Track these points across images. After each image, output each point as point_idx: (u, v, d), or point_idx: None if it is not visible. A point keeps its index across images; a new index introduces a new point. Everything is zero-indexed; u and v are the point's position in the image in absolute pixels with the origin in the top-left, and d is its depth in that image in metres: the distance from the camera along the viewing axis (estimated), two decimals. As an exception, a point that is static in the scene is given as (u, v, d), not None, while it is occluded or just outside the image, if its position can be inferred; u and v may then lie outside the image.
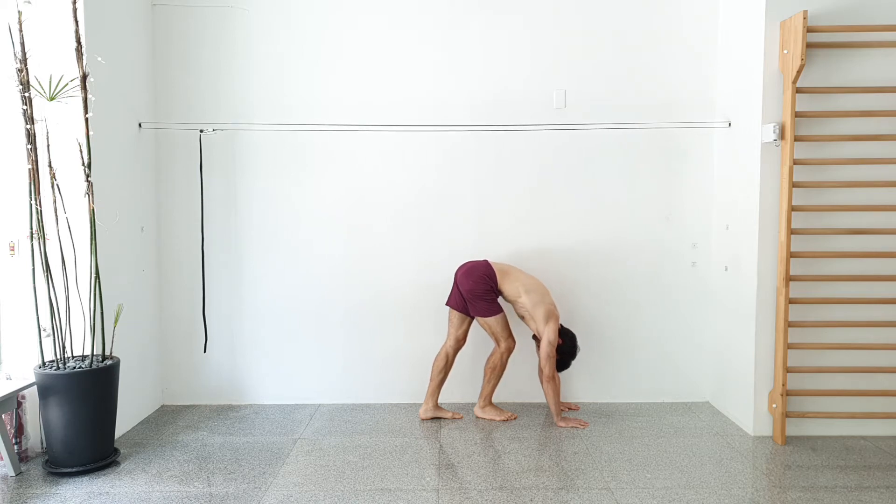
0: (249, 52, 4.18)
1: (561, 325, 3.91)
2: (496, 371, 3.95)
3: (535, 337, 3.97)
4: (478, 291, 3.84)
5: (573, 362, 3.96)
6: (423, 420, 3.98)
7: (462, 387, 4.27)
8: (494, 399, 4.12)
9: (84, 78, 3.24)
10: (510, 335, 3.93)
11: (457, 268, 4.00)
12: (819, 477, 3.17)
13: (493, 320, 3.87)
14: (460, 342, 4.01)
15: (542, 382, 3.89)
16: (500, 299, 3.95)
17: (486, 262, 3.95)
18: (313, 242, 4.25)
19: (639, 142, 4.21)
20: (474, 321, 3.98)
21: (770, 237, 3.61)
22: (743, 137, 3.82)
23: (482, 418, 3.99)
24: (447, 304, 3.99)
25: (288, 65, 4.19)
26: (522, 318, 3.94)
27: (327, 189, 4.23)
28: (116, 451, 3.41)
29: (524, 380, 4.25)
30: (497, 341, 3.92)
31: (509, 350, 3.93)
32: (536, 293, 3.85)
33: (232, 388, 4.31)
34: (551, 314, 3.82)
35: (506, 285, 3.88)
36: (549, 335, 3.78)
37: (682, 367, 4.31)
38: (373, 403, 4.29)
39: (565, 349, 3.88)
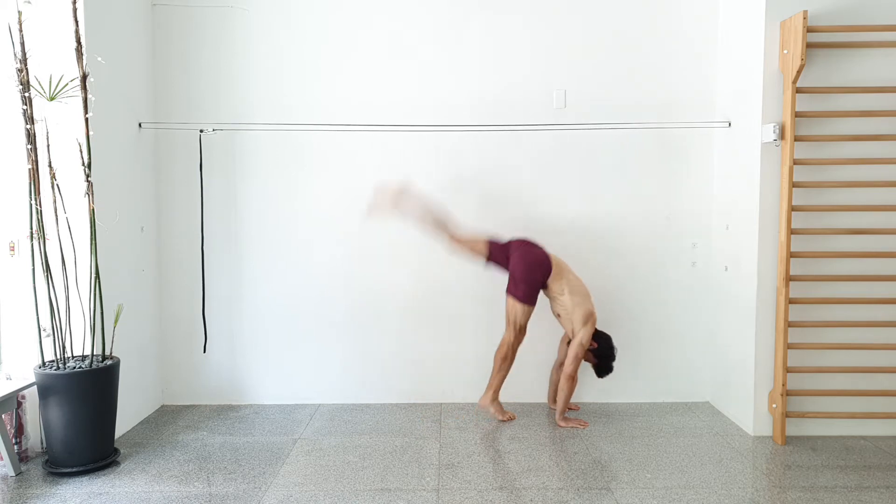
0: (249, 52, 4.18)
1: (596, 328, 3.89)
2: (507, 362, 3.88)
3: (567, 343, 3.97)
4: (527, 277, 3.78)
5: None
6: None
7: (468, 385, 4.28)
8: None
9: (84, 78, 3.24)
10: (525, 329, 3.87)
11: (516, 237, 3.91)
12: (819, 477, 3.17)
13: (522, 308, 3.80)
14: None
15: (559, 379, 3.90)
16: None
17: (545, 252, 3.87)
18: (313, 242, 4.25)
19: (639, 142, 4.21)
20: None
21: (770, 237, 3.61)
22: (743, 137, 3.82)
23: (484, 408, 3.97)
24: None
25: (288, 65, 4.19)
26: (558, 315, 3.92)
27: (327, 189, 4.23)
28: (116, 451, 3.41)
29: (527, 380, 4.25)
30: (513, 329, 3.83)
31: (519, 342, 3.87)
32: (579, 294, 3.84)
33: (232, 388, 4.31)
34: (590, 317, 3.81)
35: (554, 282, 3.84)
36: (582, 337, 3.78)
37: (682, 367, 4.31)
38: (373, 403, 4.29)
39: (602, 352, 3.87)
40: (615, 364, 3.96)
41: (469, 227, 4.21)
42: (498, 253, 3.88)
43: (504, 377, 3.95)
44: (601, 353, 3.88)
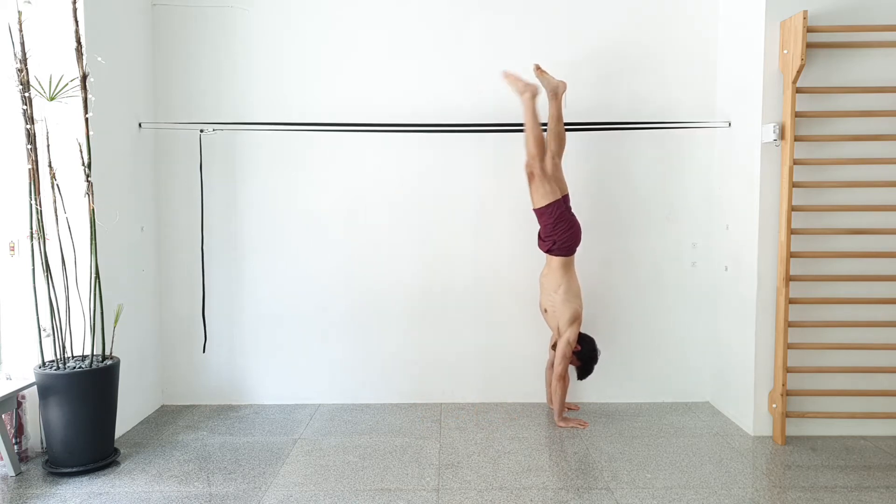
0: (249, 52, 4.18)
1: (580, 331, 3.89)
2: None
3: (553, 347, 3.97)
4: (563, 229, 3.75)
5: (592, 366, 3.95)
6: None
7: (468, 385, 4.28)
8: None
9: (84, 78, 3.24)
10: (539, 166, 3.74)
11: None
12: (819, 477, 3.17)
13: (550, 195, 3.73)
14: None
15: (551, 380, 3.90)
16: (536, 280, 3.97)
17: (575, 249, 3.85)
18: (313, 242, 4.25)
19: (639, 142, 4.21)
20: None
21: (770, 237, 3.61)
22: (743, 137, 3.82)
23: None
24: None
25: (288, 65, 4.19)
26: (545, 311, 3.94)
27: (327, 189, 4.23)
28: (116, 451, 3.41)
29: (527, 380, 4.26)
30: (541, 161, 3.74)
31: (533, 157, 3.74)
32: (571, 292, 3.83)
33: (232, 388, 4.31)
34: (577, 317, 3.81)
35: (555, 272, 3.82)
36: (569, 335, 3.79)
37: (682, 367, 4.31)
38: (373, 403, 4.29)
39: (585, 355, 3.88)
40: (604, 364, 3.96)
41: (466, 227, 4.22)
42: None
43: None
44: (584, 356, 3.88)
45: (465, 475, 3.20)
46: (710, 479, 3.15)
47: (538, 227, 3.97)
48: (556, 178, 3.82)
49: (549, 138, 3.86)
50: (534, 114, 3.78)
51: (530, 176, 3.80)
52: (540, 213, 3.81)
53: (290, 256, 4.25)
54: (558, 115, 3.85)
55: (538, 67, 3.89)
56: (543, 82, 3.88)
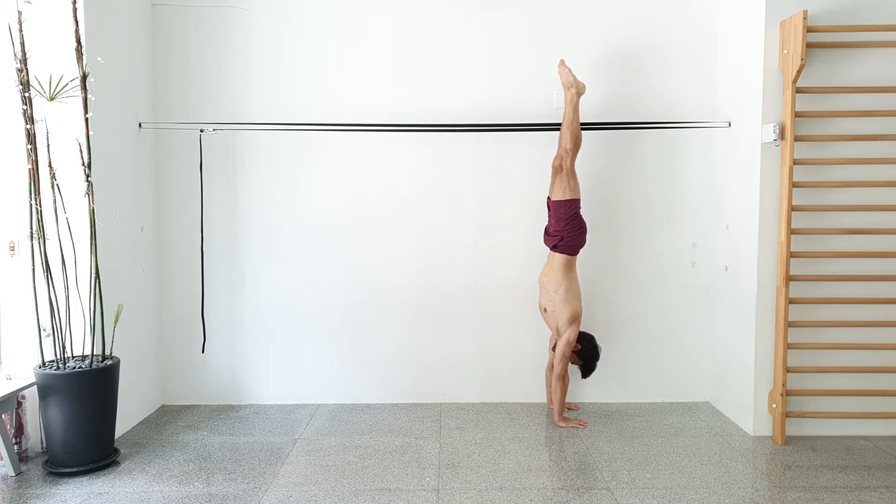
0: (250, 51, 4.18)
1: (580, 330, 3.89)
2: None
3: (553, 348, 3.97)
4: (571, 225, 3.80)
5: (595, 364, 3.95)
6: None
7: (468, 385, 4.28)
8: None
9: (84, 78, 3.24)
10: (571, 159, 3.81)
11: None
12: (819, 477, 3.17)
13: (570, 176, 3.80)
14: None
15: (551, 380, 3.90)
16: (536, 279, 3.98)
17: (579, 248, 3.89)
18: (313, 242, 4.25)
19: (639, 142, 4.21)
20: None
21: (770, 237, 3.61)
22: (743, 137, 3.82)
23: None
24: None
25: (288, 65, 4.19)
26: (544, 311, 3.94)
27: (327, 189, 4.23)
28: (116, 451, 3.41)
29: (527, 380, 4.26)
30: (572, 154, 3.83)
31: (569, 154, 3.81)
32: (571, 292, 3.83)
33: (232, 388, 4.31)
34: (576, 317, 3.82)
35: (557, 271, 3.83)
36: (569, 335, 3.79)
37: (682, 367, 4.31)
38: (373, 403, 4.29)
39: (586, 353, 3.88)
40: (604, 364, 3.96)
41: (466, 227, 4.22)
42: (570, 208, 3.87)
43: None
44: (586, 354, 3.89)
45: (465, 475, 3.20)
46: (710, 479, 3.15)
47: (543, 225, 3.99)
48: (567, 175, 3.86)
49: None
50: (574, 109, 3.81)
51: (558, 169, 3.83)
52: (556, 206, 3.81)
53: (289, 256, 4.25)
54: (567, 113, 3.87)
55: (563, 63, 3.89)
56: (561, 76, 3.89)
